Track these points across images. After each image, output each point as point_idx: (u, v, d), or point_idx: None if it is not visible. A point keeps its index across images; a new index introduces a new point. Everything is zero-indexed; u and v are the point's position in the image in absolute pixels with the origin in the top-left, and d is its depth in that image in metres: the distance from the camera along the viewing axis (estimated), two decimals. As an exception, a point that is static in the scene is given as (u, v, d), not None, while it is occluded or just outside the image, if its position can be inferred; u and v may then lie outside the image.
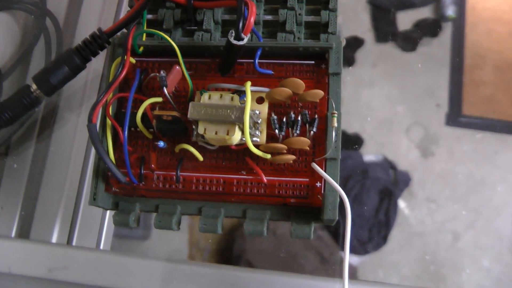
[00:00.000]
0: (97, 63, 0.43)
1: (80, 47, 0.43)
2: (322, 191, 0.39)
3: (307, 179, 0.39)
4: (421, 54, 1.05)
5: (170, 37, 0.43)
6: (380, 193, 1.01)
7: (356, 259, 0.99)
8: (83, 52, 0.43)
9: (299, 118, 0.39)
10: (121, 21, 0.43)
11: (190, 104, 0.38)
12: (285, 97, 0.39)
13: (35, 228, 0.49)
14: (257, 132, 0.39)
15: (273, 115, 0.39)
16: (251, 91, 0.38)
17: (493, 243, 0.97)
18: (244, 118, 0.36)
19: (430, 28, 1.03)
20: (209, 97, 0.38)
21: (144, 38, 0.43)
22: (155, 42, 0.41)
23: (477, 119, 1.01)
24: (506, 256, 0.96)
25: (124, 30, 0.43)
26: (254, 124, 0.39)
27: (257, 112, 0.39)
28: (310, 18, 0.43)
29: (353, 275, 0.98)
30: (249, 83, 0.38)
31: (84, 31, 0.54)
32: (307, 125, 0.39)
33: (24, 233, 0.49)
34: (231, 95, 0.38)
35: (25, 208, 0.49)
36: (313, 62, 0.41)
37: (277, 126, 0.39)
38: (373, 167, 1.01)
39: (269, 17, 0.43)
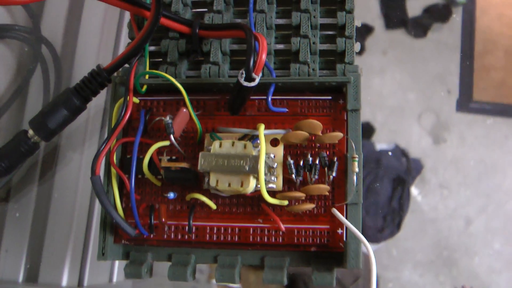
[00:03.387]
0: (98, 97, 0.40)
1: (79, 87, 0.40)
2: (344, 238, 0.36)
3: (328, 226, 0.37)
4: (432, 40, 1.03)
5: (175, 70, 0.40)
6: (393, 181, 1.00)
7: (370, 247, 0.97)
8: (82, 92, 0.40)
9: (317, 162, 0.36)
10: (121, 56, 0.40)
11: (200, 154, 0.35)
12: (302, 140, 0.36)
13: (44, 271, 0.47)
14: (272, 178, 0.36)
15: (289, 159, 0.36)
16: (265, 134, 0.35)
17: (504, 226, 0.97)
18: (259, 169, 0.34)
19: (440, 14, 1.00)
20: (220, 146, 0.35)
21: (147, 76, 0.40)
22: (159, 80, 0.39)
23: (488, 104, 0.99)
24: (517, 239, 0.96)
25: (126, 64, 0.40)
26: (269, 169, 0.36)
27: (272, 156, 0.37)
28: (325, 47, 0.40)
29: (367, 264, 0.97)
30: (262, 128, 0.36)
31: (83, 57, 0.51)
32: (326, 169, 0.36)
33: (32, 277, 0.47)
34: (244, 142, 0.35)
35: (31, 250, 0.47)
36: (330, 97, 0.38)
37: (294, 171, 0.36)
38: (385, 156, 1.00)
39: (281, 46, 0.40)
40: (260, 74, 0.34)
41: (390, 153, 1.00)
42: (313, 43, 0.39)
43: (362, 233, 0.36)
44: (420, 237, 0.99)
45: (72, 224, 0.47)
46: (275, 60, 0.40)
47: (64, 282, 0.46)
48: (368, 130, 1.01)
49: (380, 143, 1.01)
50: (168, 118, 0.37)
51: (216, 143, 0.35)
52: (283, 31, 0.41)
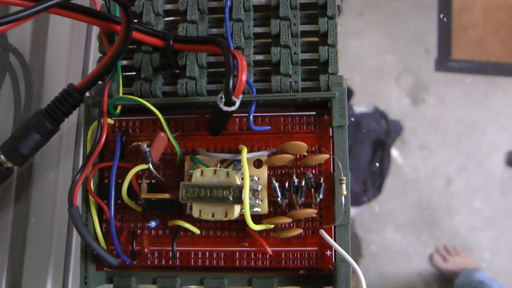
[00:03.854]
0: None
1: (50, 109, 0.38)
2: (333, 260, 0.35)
3: (316, 248, 0.36)
4: (408, 0, 1.01)
5: (150, 87, 0.38)
6: (373, 144, 1.00)
7: (352, 211, 0.98)
8: (54, 115, 0.38)
9: (303, 183, 0.35)
10: (93, 74, 0.37)
11: (182, 185, 0.34)
12: (286, 162, 0.35)
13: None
14: (257, 202, 0.35)
15: (274, 181, 0.35)
16: (248, 158, 0.34)
17: (484, 185, 0.97)
18: (244, 199, 0.32)
19: (416, -29, 0.98)
20: (202, 174, 0.34)
21: (121, 91, 0.38)
22: (136, 99, 0.37)
23: (467, 62, 0.98)
24: (497, 195, 0.97)
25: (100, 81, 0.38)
26: (254, 193, 0.35)
27: (256, 178, 0.36)
28: (308, 56, 0.38)
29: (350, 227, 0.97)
30: (245, 153, 0.34)
31: (53, 64, 0.48)
32: (312, 190, 0.35)
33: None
34: (226, 170, 0.34)
35: (12, 270, 0.46)
36: (314, 113, 0.37)
37: (279, 194, 0.35)
38: (365, 119, 0.99)
39: (260, 57, 0.38)
40: (241, 96, 0.33)
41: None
42: (294, 53, 0.37)
43: None
44: (401, 199, 0.99)
45: (51, 242, 0.46)
46: (255, 72, 0.38)
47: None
48: (346, 94, 1.00)
49: (359, 105, 1.01)
50: (145, 145, 0.35)
51: (197, 172, 0.34)
52: (262, 39, 0.39)
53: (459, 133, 0.98)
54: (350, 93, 0.99)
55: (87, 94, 0.38)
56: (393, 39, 0.99)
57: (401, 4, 1.00)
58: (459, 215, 0.97)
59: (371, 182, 1.00)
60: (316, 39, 0.39)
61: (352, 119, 1.01)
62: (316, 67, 0.38)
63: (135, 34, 0.37)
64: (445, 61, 0.99)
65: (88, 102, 0.38)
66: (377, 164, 0.99)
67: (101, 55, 0.40)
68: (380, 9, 1.00)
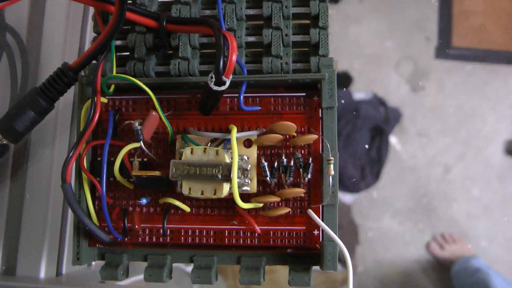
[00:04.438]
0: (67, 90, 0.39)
1: (45, 87, 0.38)
2: (321, 239, 0.36)
3: (304, 227, 0.37)
4: (410, -14, 1.01)
5: (143, 67, 0.38)
6: (372, 131, 1.00)
7: (349, 197, 0.99)
8: (48, 93, 0.38)
9: (292, 163, 0.35)
10: (87, 53, 0.38)
11: (172, 163, 0.34)
12: (276, 142, 0.36)
13: (21, 264, 0.46)
14: (246, 181, 0.36)
15: (263, 160, 0.36)
16: (237, 138, 0.35)
17: (482, 172, 0.98)
18: (232, 178, 0.33)
19: (418, -42, 0.99)
20: (192, 152, 0.34)
21: (114, 70, 0.39)
22: (126, 79, 0.37)
23: (467, 50, 0.98)
24: (495, 183, 0.98)
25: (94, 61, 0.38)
26: (243, 172, 0.36)
27: (246, 157, 0.36)
28: (299, 38, 0.39)
29: (347, 212, 0.98)
30: (234, 132, 0.35)
31: (50, 44, 0.49)
32: (301, 170, 0.35)
33: (9, 270, 0.46)
34: (216, 149, 0.34)
35: (7, 244, 0.47)
36: (304, 94, 0.37)
37: (268, 173, 0.35)
38: (364, 106, 1.00)
39: (252, 39, 0.39)
40: (231, 77, 0.33)
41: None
42: (286, 35, 0.38)
43: (341, 183, 0.35)
44: (399, 186, 1.00)
45: (47, 216, 0.46)
46: (247, 53, 0.38)
47: (42, 273, 0.46)
48: (345, 80, 1.00)
49: (358, 92, 1.01)
50: (137, 123, 0.36)
51: (187, 150, 0.34)
52: (254, 21, 0.39)
53: (458, 121, 0.99)
54: (349, 79, 1.00)
55: (81, 73, 0.39)
56: (393, 26, 0.99)
57: (402, -10, 1.01)
58: (456, 203, 0.98)
59: (369, 169, 1.00)
60: (307, 21, 0.39)
61: (354, 113, 1.02)
62: (307, 49, 0.39)
63: (129, 15, 0.38)
64: (445, 48, 0.99)
65: (82, 81, 0.39)
66: (367, 146, 1.00)
67: (95, 35, 0.40)
68: (381, -5, 1.01)
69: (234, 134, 0.34)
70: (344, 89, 0.98)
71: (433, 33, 1.00)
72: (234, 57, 0.33)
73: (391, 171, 0.99)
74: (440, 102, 0.99)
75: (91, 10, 0.40)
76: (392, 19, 0.99)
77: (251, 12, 0.38)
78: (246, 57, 0.38)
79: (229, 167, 0.33)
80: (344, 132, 0.99)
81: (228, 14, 0.38)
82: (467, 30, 0.98)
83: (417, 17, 0.99)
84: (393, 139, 0.99)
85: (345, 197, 0.98)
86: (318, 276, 0.91)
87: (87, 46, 0.48)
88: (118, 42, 0.39)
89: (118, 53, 0.40)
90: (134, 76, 0.38)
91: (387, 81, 0.99)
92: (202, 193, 0.34)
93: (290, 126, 0.35)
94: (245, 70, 0.37)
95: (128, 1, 0.38)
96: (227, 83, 0.33)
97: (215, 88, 0.33)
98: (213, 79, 0.33)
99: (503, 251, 0.94)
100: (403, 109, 0.99)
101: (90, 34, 0.49)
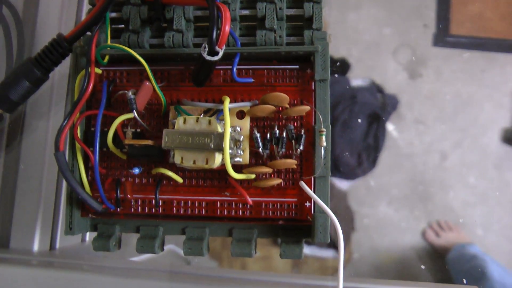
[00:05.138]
0: (63, 62, 0.39)
1: (40, 57, 0.39)
2: (312, 211, 0.36)
3: (295, 199, 0.37)
4: (408, -27, 1.01)
5: (138, 39, 0.39)
6: (369, 117, 1.00)
7: (346, 184, 0.99)
8: (43, 63, 0.39)
9: (284, 135, 0.36)
10: (82, 24, 0.38)
11: (164, 132, 0.34)
12: (268, 113, 0.36)
13: (14, 236, 0.47)
14: (239, 151, 0.36)
15: (255, 132, 0.36)
16: (230, 108, 0.35)
17: (479, 160, 0.98)
18: (224, 147, 0.33)
19: None
20: (184, 122, 0.35)
21: (109, 41, 0.39)
22: (120, 49, 0.37)
23: (465, 38, 0.98)
24: (491, 171, 0.98)
25: (88, 32, 0.38)
26: (235, 143, 0.36)
27: (238, 128, 0.36)
28: (292, 12, 0.39)
29: (343, 199, 0.99)
30: (227, 102, 0.35)
31: (45, 18, 0.49)
32: (293, 142, 0.36)
33: (3, 243, 0.47)
34: (208, 118, 0.34)
35: (1, 217, 0.47)
36: (297, 66, 0.37)
37: (260, 144, 0.36)
38: (361, 92, 1.00)
39: (246, 12, 0.39)
40: (224, 47, 0.33)
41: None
42: (280, 8, 0.38)
43: (338, 170, 0.36)
44: (396, 173, 1.00)
45: (41, 189, 0.46)
46: (241, 26, 0.38)
47: (36, 247, 0.46)
48: (343, 66, 1.00)
49: (356, 78, 1.01)
50: (130, 93, 0.36)
51: (180, 120, 0.34)
52: (248, -5, 0.39)
53: (455, 108, 0.99)
54: (347, 66, 1.00)
55: (76, 44, 0.39)
56: (392, 13, 0.99)
57: (400, -23, 1.01)
58: (453, 190, 0.98)
59: (365, 155, 1.00)
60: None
61: (352, 99, 1.02)
62: (300, 23, 0.39)
63: (124, -14, 0.38)
64: (443, 35, 0.99)
65: (76, 51, 0.39)
66: (359, 127, 1.00)
67: (91, 7, 0.40)
68: (379, -19, 1.01)
69: (227, 104, 0.34)
70: (340, 75, 0.98)
71: (431, 20, 1.00)
72: (227, 28, 0.33)
73: (388, 158, 1.00)
74: (437, 89, 0.99)
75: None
76: (391, 6, 0.99)
77: (245, -15, 0.38)
78: (240, 30, 0.38)
79: (221, 136, 0.33)
80: (341, 119, 0.99)
81: (223, -14, 0.38)
82: (465, 18, 0.98)
83: (415, 4, 0.99)
84: (390, 126, 0.99)
85: (342, 184, 0.98)
86: (313, 262, 0.92)
87: (84, 14, 0.48)
88: (113, 14, 0.39)
89: (113, 25, 0.40)
90: (129, 47, 0.38)
91: (385, 68, 0.99)
92: (194, 162, 0.34)
93: (283, 97, 0.35)
94: (239, 42, 0.37)
95: (123, -27, 0.38)
96: (220, 53, 0.33)
97: (208, 58, 0.33)
98: (206, 49, 0.33)
99: (499, 239, 0.94)
100: (400, 96, 0.99)
101: (86, 7, 0.49)
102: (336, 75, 0.97)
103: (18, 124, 0.47)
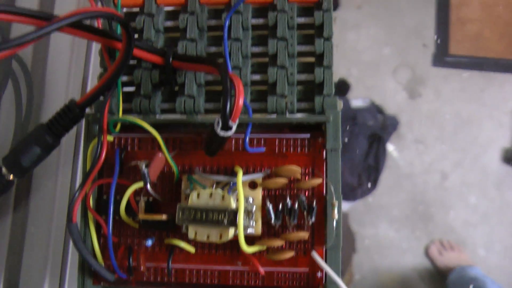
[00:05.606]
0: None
1: (52, 124, 0.39)
2: (323, 281, 0.36)
3: (307, 269, 0.37)
4: (407, -7, 1.01)
5: (149, 104, 0.39)
6: (369, 138, 1.00)
7: (346, 205, 0.99)
8: (54, 129, 0.39)
9: (296, 207, 0.36)
10: (94, 90, 0.38)
11: (178, 207, 0.35)
12: (281, 186, 0.36)
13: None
14: (251, 222, 0.36)
15: (268, 203, 0.36)
16: (243, 181, 0.35)
17: (479, 180, 0.98)
18: (238, 223, 0.33)
19: (415, -36, 0.99)
20: (198, 196, 0.35)
21: (120, 113, 0.39)
22: (134, 117, 0.37)
23: (464, 58, 0.99)
24: (492, 191, 0.98)
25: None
26: (248, 214, 0.36)
27: (251, 199, 0.36)
28: (304, 77, 0.39)
29: (344, 221, 0.99)
30: (240, 175, 0.35)
31: (54, 72, 0.49)
32: (305, 212, 0.36)
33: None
34: (222, 193, 0.35)
35: (8, 279, 0.47)
36: (308, 135, 0.37)
37: (272, 215, 0.36)
38: (361, 113, 1.00)
39: (257, 77, 0.39)
40: (237, 121, 0.33)
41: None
42: (291, 74, 0.38)
43: None
44: (396, 193, 1.00)
45: (48, 252, 0.46)
46: (251, 91, 0.38)
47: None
48: (343, 87, 1.01)
49: (356, 99, 1.01)
50: (144, 166, 0.36)
51: (193, 194, 0.35)
52: (259, 58, 0.39)
53: (455, 128, 0.99)
54: (346, 86, 1.00)
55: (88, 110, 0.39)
56: (391, 32, 0.99)
57: (399, -3, 1.01)
58: (454, 210, 0.98)
59: (366, 176, 1.00)
60: (312, 59, 0.39)
61: (352, 120, 1.02)
62: (311, 87, 0.39)
63: (135, 51, 0.38)
64: (442, 55, 0.99)
65: (88, 119, 0.39)
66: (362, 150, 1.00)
67: (101, 69, 0.40)
68: (378, 1, 1.00)
69: (240, 178, 0.35)
70: (340, 96, 0.98)
71: (431, 40, 1.00)
72: (241, 102, 0.33)
73: (388, 178, 1.00)
74: (437, 109, 0.99)
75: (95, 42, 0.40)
76: (390, 26, 0.99)
77: (256, 49, 0.39)
78: (251, 94, 0.38)
79: (235, 213, 0.33)
80: (341, 140, 0.99)
81: (234, 52, 0.38)
82: (464, 38, 0.98)
83: (414, 24, 0.99)
84: (390, 146, 0.99)
85: (342, 205, 0.98)
86: None
87: (91, 74, 0.48)
88: (124, 78, 0.39)
89: (124, 88, 0.40)
90: (140, 113, 0.38)
91: (385, 88, 0.99)
92: (207, 237, 0.34)
93: (295, 170, 0.35)
94: (251, 111, 0.37)
95: (135, 36, 0.38)
96: (234, 128, 0.33)
97: (222, 133, 0.33)
98: (220, 124, 0.33)
99: (501, 260, 0.95)
100: (400, 116, 0.99)
101: (94, 60, 0.49)
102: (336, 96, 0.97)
103: (26, 184, 0.47)
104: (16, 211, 0.46)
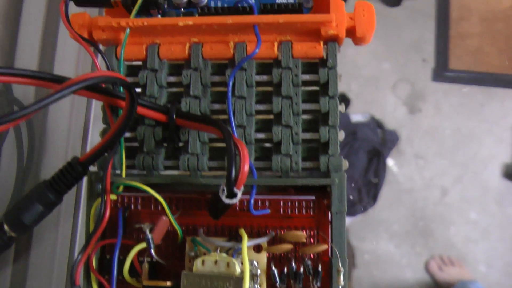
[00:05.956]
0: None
1: (54, 181, 0.38)
2: None
3: (313, 331, 0.37)
4: (406, 8, 1.01)
5: (152, 162, 0.38)
6: (369, 153, 1.00)
7: (346, 220, 0.99)
8: (57, 186, 0.38)
9: (301, 271, 0.36)
10: (96, 148, 0.38)
11: (183, 275, 0.34)
12: (286, 251, 0.36)
13: None
14: (256, 286, 0.36)
15: (273, 267, 0.36)
16: (248, 246, 0.35)
17: (480, 195, 0.98)
18: (244, 293, 0.33)
19: (415, -21, 0.99)
20: (203, 263, 0.35)
21: (124, 172, 0.38)
22: (137, 179, 0.37)
23: (464, 72, 0.99)
24: (493, 207, 0.98)
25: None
26: (253, 277, 0.36)
27: (255, 263, 0.36)
28: (308, 136, 0.38)
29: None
30: (245, 241, 0.35)
31: (55, 122, 0.48)
32: (310, 276, 0.36)
33: None
34: (227, 260, 0.34)
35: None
36: (313, 197, 0.37)
37: (277, 279, 0.36)
38: (361, 128, 1.00)
39: (261, 135, 0.39)
40: (242, 187, 0.33)
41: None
42: (296, 133, 0.37)
43: None
44: (396, 208, 1.00)
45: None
46: (256, 148, 0.38)
47: None
48: (343, 101, 1.01)
49: (355, 114, 1.01)
50: (148, 231, 0.36)
51: (198, 261, 0.34)
52: (264, 115, 0.39)
53: (455, 143, 0.99)
54: (346, 101, 1.00)
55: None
56: (391, 47, 0.99)
57: (399, 12, 1.00)
58: (454, 226, 0.98)
59: (365, 191, 1.00)
60: (316, 116, 0.39)
61: (352, 135, 1.02)
62: (316, 145, 0.39)
63: (139, 109, 0.37)
64: (442, 70, 0.99)
65: (91, 178, 0.39)
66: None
67: (103, 122, 0.40)
68: (378, 16, 1.00)
69: (245, 245, 0.34)
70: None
71: (430, 55, 1.00)
72: (246, 168, 0.33)
73: (388, 193, 1.00)
74: (437, 124, 0.99)
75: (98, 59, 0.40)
76: (390, 40, 0.98)
77: (260, 107, 0.38)
78: (255, 152, 0.38)
79: (240, 281, 0.33)
80: (341, 155, 0.99)
81: (238, 110, 0.38)
82: (464, 53, 0.98)
83: (414, 38, 0.99)
84: (389, 161, 0.99)
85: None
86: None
87: (91, 126, 0.48)
88: (127, 134, 0.39)
89: (127, 143, 0.39)
90: (143, 169, 0.38)
91: (384, 103, 0.99)
92: (212, 306, 0.34)
93: (300, 235, 0.35)
94: (255, 173, 0.37)
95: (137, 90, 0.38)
96: (239, 195, 0.33)
97: (227, 201, 0.33)
98: (225, 192, 0.33)
99: (502, 276, 0.95)
100: (400, 131, 0.99)
101: (95, 112, 0.49)
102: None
103: (26, 237, 0.46)
104: (16, 264, 0.46)
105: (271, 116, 0.38)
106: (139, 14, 0.40)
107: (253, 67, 0.38)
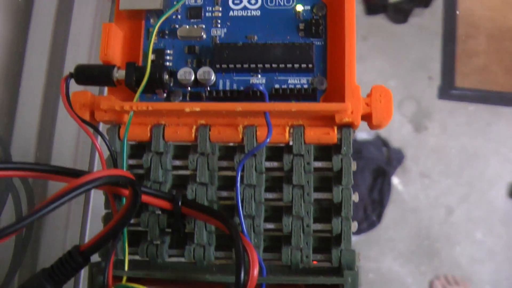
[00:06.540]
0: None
1: (53, 271, 0.37)
2: None
3: None
4: (413, 25, 0.99)
5: (157, 251, 0.37)
6: (374, 172, 0.99)
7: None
8: (56, 277, 0.37)
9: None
10: (98, 237, 0.36)
11: None
12: None
13: None
14: None
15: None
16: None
17: (486, 215, 0.97)
18: None
19: (421, -3, 0.97)
20: None
21: (126, 266, 0.37)
22: (140, 274, 0.36)
23: (470, 91, 0.97)
24: (499, 227, 0.97)
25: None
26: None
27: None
28: (320, 227, 0.37)
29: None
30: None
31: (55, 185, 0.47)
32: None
33: None
34: None
35: None
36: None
37: None
38: (366, 146, 0.98)
39: (271, 226, 0.37)
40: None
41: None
42: (307, 225, 0.36)
43: None
44: (401, 227, 0.99)
45: None
46: (265, 237, 0.37)
47: None
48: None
49: (361, 132, 0.99)
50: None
51: None
52: (273, 202, 0.37)
53: (461, 162, 0.98)
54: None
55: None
56: (397, 65, 0.97)
57: (405, 29, 0.98)
58: (459, 246, 0.97)
59: (370, 210, 0.99)
60: (328, 205, 0.37)
61: (357, 154, 1.00)
62: (328, 235, 0.37)
63: (143, 197, 0.36)
64: (448, 88, 0.97)
65: (93, 270, 0.37)
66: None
67: (104, 206, 0.38)
68: (384, 33, 0.98)
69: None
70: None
71: (436, 73, 0.98)
72: (255, 272, 0.31)
73: (393, 212, 0.99)
74: (443, 143, 0.98)
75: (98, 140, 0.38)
76: (396, 58, 0.97)
77: (270, 196, 0.37)
78: (264, 242, 0.36)
79: None
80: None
81: (247, 200, 0.36)
82: (470, 71, 0.97)
83: (420, 56, 0.97)
84: (395, 180, 0.98)
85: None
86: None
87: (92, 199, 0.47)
88: (131, 221, 0.38)
89: (130, 228, 0.38)
90: (147, 257, 0.36)
91: (390, 121, 0.97)
92: None
93: None
94: (265, 271, 0.35)
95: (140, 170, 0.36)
96: (247, 293, 0.32)
97: (238, 305, 0.31)
98: (234, 298, 0.31)
99: (507, 298, 0.94)
100: (405, 150, 0.98)
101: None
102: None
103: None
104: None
105: (281, 203, 0.37)
106: (144, 92, 0.38)
107: (263, 154, 0.37)
